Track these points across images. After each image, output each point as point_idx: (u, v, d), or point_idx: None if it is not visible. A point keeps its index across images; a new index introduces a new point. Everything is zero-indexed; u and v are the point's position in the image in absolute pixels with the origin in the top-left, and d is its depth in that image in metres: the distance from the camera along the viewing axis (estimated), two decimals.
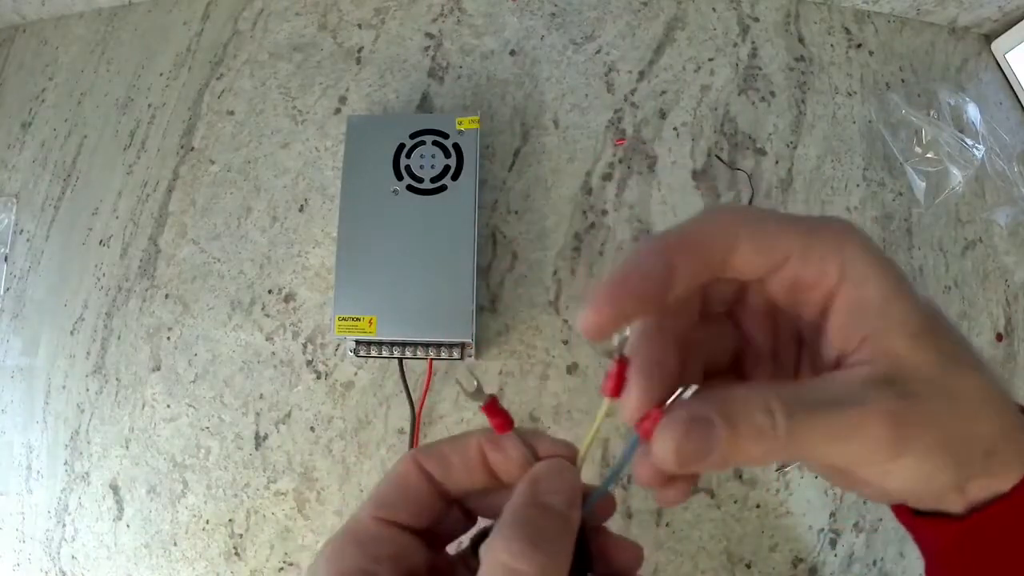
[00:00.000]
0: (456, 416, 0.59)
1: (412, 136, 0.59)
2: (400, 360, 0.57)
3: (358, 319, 0.55)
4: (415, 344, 0.56)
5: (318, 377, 0.61)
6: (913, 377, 0.17)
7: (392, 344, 0.56)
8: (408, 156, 0.58)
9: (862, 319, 0.18)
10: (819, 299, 0.19)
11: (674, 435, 0.17)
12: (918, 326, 0.18)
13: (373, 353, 0.56)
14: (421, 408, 0.58)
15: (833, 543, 0.58)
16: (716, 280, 0.19)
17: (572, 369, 0.60)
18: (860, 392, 0.17)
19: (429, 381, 0.58)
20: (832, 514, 0.58)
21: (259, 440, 0.60)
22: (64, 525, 0.61)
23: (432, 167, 0.58)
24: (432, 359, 0.57)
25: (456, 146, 0.58)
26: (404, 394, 0.58)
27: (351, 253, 0.56)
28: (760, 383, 0.20)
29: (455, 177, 0.57)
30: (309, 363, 0.61)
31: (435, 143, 0.58)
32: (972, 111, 0.69)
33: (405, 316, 0.55)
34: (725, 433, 0.16)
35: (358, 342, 0.56)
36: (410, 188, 0.57)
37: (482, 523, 0.22)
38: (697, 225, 0.19)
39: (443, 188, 0.57)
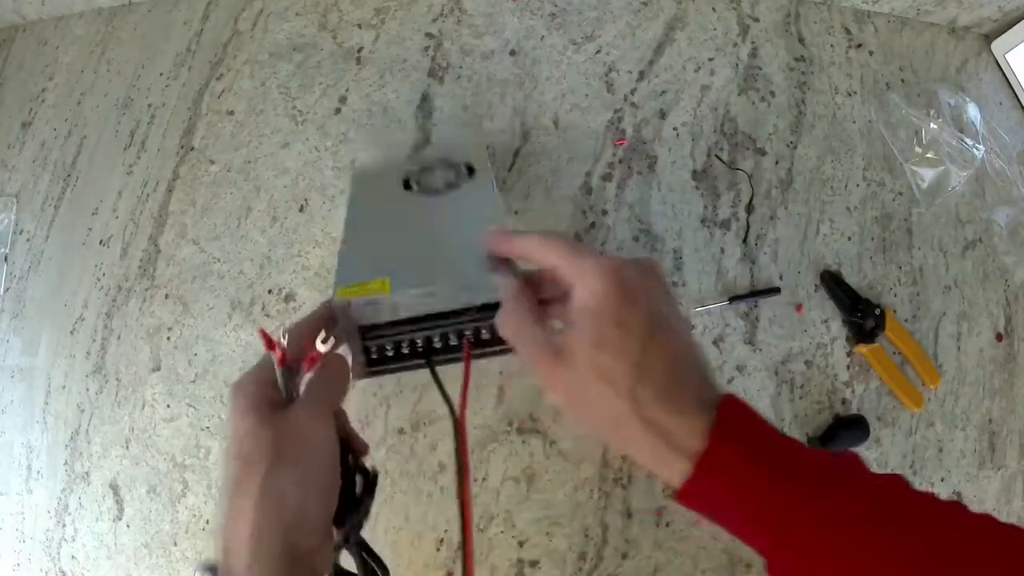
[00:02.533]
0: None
1: (421, 170, 0.53)
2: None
3: None
4: None
5: None
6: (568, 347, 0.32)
7: None
8: (419, 183, 0.52)
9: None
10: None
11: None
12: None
13: None
14: (463, 411, 0.41)
15: None
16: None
17: None
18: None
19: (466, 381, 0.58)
20: None
21: None
22: (64, 525, 0.61)
23: (444, 180, 0.53)
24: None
25: (467, 164, 0.54)
26: (404, 393, 0.58)
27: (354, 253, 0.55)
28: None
29: (470, 175, 0.53)
30: None
31: (445, 168, 0.53)
32: (972, 111, 0.69)
33: None
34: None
35: None
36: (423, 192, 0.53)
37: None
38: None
39: (457, 187, 0.54)
